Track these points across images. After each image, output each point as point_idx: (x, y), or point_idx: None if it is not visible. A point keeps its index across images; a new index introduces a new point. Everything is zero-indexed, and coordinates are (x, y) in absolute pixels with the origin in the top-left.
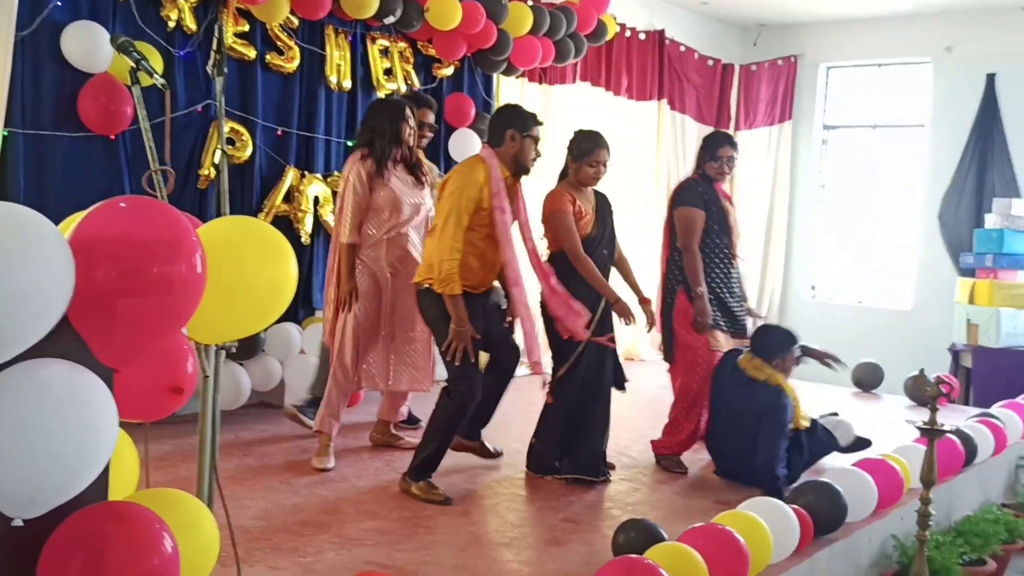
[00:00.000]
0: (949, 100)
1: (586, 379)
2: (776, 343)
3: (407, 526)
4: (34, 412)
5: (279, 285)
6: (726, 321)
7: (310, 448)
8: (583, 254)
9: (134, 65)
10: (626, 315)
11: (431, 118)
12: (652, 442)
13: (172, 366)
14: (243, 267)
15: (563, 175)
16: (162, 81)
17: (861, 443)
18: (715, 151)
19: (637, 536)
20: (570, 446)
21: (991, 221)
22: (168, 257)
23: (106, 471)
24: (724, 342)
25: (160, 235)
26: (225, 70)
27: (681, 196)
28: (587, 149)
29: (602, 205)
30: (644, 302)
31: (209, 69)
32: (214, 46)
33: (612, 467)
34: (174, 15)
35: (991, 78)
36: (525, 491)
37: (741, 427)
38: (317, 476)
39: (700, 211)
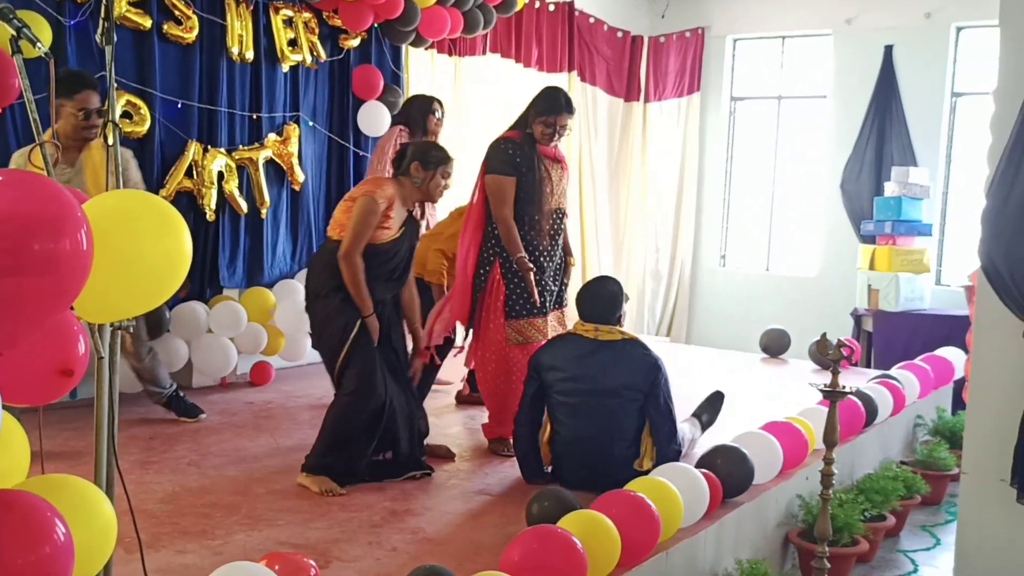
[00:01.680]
0: (849, 72)
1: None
2: (609, 299)
3: (320, 504)
4: None
5: (172, 260)
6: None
7: (219, 430)
8: (358, 257)
9: (15, 33)
10: (375, 333)
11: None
12: (483, 426)
13: (61, 348)
14: (133, 242)
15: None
16: (45, 50)
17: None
18: (549, 115)
19: (551, 506)
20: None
21: (890, 189)
22: (51, 233)
23: None
24: (544, 327)
25: (42, 210)
26: (114, 38)
27: (490, 161)
28: (441, 159)
29: (412, 224)
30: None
31: (97, 38)
32: (102, 13)
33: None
34: None
35: (888, 50)
36: (439, 465)
37: (600, 414)
38: (227, 457)
39: (511, 178)
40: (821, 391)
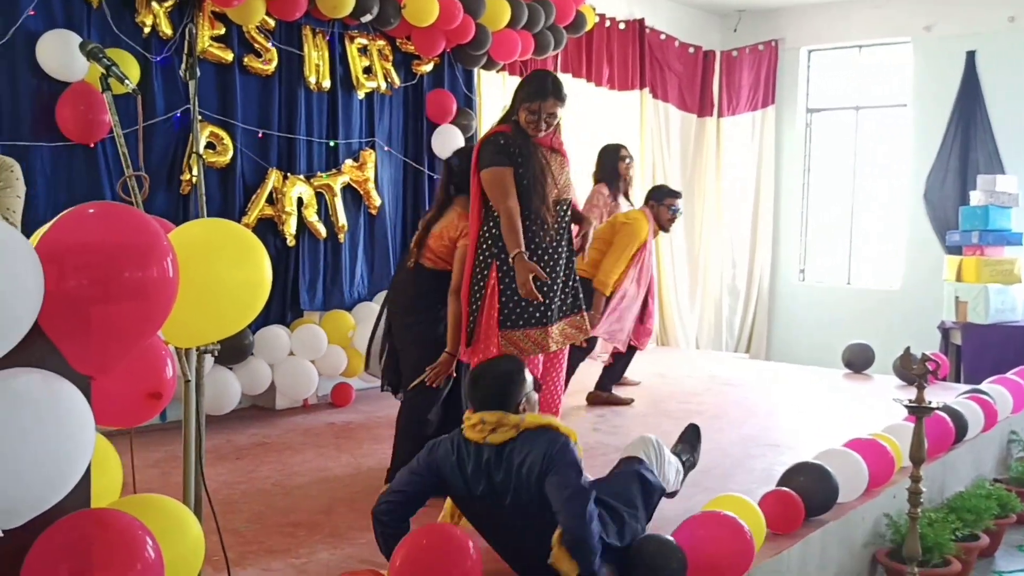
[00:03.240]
0: (930, 79)
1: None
2: (502, 380)
3: None
4: (9, 422)
5: (253, 286)
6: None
7: (302, 450)
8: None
9: (104, 71)
10: None
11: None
12: None
13: (150, 371)
14: (216, 269)
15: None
16: (132, 86)
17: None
18: (533, 101)
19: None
20: None
21: (976, 198)
22: (139, 262)
23: (87, 479)
24: (544, 339)
25: (130, 240)
26: (198, 73)
27: (481, 158)
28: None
29: None
30: None
31: (182, 73)
32: (186, 49)
33: None
34: (149, 20)
35: (971, 55)
36: None
37: (513, 530)
38: (310, 477)
39: (508, 168)
40: (906, 407)
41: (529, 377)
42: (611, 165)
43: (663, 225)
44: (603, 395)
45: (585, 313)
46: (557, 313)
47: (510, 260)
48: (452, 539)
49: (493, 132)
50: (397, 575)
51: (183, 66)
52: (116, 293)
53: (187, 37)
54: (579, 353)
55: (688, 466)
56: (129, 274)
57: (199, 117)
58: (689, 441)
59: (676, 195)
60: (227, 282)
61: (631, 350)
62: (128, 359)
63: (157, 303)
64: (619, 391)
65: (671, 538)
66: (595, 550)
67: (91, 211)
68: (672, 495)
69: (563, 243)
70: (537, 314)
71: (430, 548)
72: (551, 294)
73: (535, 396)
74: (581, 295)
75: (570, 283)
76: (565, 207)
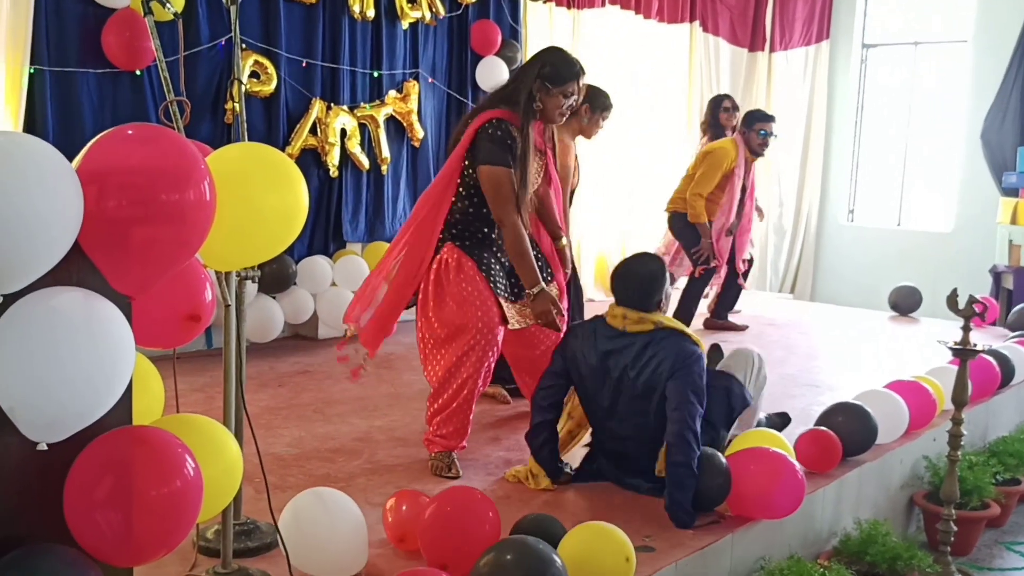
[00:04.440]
0: (993, 13)
1: None
2: (645, 280)
3: None
4: (50, 337)
5: (289, 210)
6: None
7: (342, 379)
8: None
9: None
10: None
11: None
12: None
13: (189, 294)
14: (252, 193)
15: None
16: (174, 10)
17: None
18: (565, 84)
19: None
20: None
21: None
22: (177, 184)
23: (128, 397)
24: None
25: (168, 162)
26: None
27: (483, 147)
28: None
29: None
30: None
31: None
32: None
33: None
34: None
35: None
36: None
37: (629, 417)
38: (350, 406)
39: (508, 170)
40: (951, 348)
41: (668, 275)
42: (713, 115)
43: (754, 150)
44: (718, 322)
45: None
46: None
47: (528, 293)
48: (475, 501)
49: (498, 117)
50: (425, 533)
51: None
52: (154, 215)
53: None
54: (698, 284)
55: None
56: (167, 196)
57: (243, 46)
58: (775, 423)
59: (767, 119)
60: (263, 206)
61: (735, 284)
62: (166, 281)
63: (194, 226)
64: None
65: (720, 458)
66: (691, 466)
67: (130, 132)
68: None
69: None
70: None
71: (454, 513)
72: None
73: (671, 292)
74: (551, 274)
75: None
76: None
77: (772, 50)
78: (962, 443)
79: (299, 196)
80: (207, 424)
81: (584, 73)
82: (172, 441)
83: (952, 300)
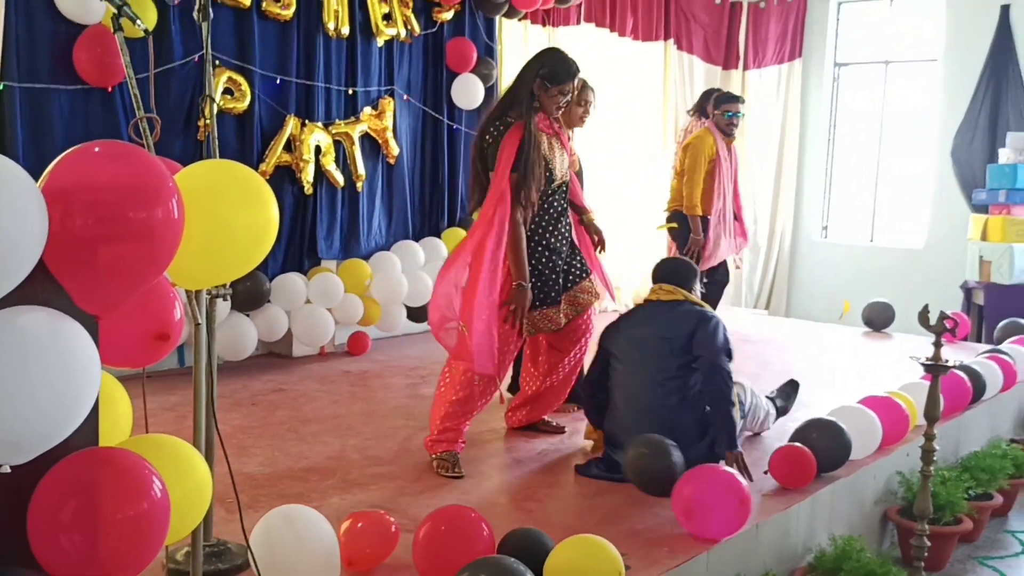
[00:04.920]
0: (962, 33)
1: None
2: (681, 266)
3: (413, 472)
4: (13, 357)
5: (260, 229)
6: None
7: (316, 397)
8: None
9: (116, 11)
10: None
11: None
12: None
13: (157, 313)
14: (221, 210)
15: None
16: (144, 27)
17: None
18: (563, 83)
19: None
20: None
21: (1005, 156)
22: (144, 202)
23: (94, 417)
24: (559, 315)
25: (135, 180)
26: (211, 15)
27: (489, 154)
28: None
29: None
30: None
31: (195, 15)
32: None
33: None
34: None
35: (1005, 9)
36: (531, 433)
37: (643, 367)
38: (324, 425)
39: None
40: (922, 364)
41: (698, 275)
42: (702, 105)
43: (723, 130)
44: None
45: (592, 278)
46: (562, 291)
47: (514, 285)
48: (468, 520)
49: (504, 121)
50: (419, 550)
51: (196, 8)
52: (121, 233)
53: None
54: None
55: (780, 411)
56: (134, 214)
57: (216, 62)
58: (785, 391)
59: (732, 100)
60: (233, 224)
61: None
62: (134, 300)
63: (162, 244)
64: None
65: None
66: (731, 392)
67: (97, 150)
68: (757, 434)
69: (562, 224)
70: (546, 297)
71: (448, 530)
72: (554, 276)
73: (700, 289)
74: (585, 263)
75: (575, 260)
76: (565, 190)
77: (746, 68)
78: (935, 458)
79: (269, 214)
80: (175, 444)
81: (579, 72)
82: (139, 462)
83: (924, 316)
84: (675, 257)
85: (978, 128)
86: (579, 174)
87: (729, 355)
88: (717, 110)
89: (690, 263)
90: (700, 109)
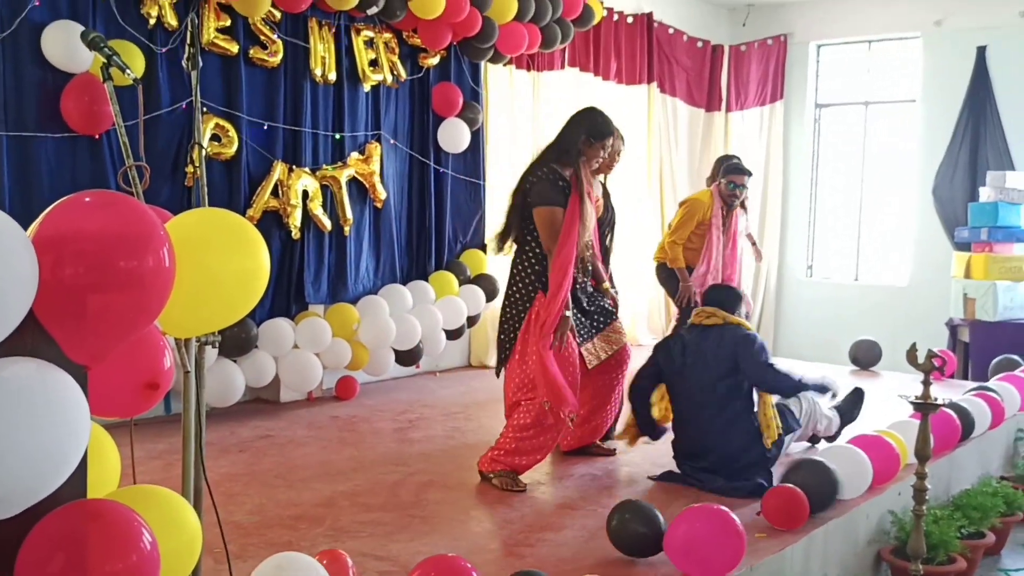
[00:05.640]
0: (940, 74)
1: None
2: (729, 292)
3: (402, 517)
4: (1, 411)
5: (250, 275)
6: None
7: (305, 443)
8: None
9: (105, 60)
10: None
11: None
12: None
13: (147, 362)
14: (212, 258)
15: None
16: (134, 76)
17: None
18: (605, 138)
19: (631, 518)
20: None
21: (985, 194)
22: (134, 251)
23: (83, 469)
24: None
25: (126, 229)
26: (200, 63)
27: (534, 191)
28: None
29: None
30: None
31: (184, 63)
32: (188, 39)
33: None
34: (154, 12)
35: (981, 51)
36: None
37: (698, 397)
38: (313, 471)
39: (561, 209)
40: (912, 403)
41: (744, 300)
42: (715, 173)
43: (724, 199)
44: None
45: (617, 323)
46: (587, 334)
47: (561, 317)
48: (459, 569)
49: (549, 167)
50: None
51: (185, 56)
52: (111, 282)
53: (189, 27)
54: None
55: (846, 419)
56: (124, 263)
57: (204, 109)
58: (851, 400)
59: (736, 171)
60: (224, 272)
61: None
62: (123, 349)
63: (152, 293)
64: None
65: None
66: (792, 381)
67: (87, 200)
68: (830, 438)
69: (587, 276)
70: (593, 328)
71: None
72: (587, 311)
73: (744, 311)
74: (610, 312)
75: (604, 302)
76: (591, 246)
77: (728, 110)
78: (927, 497)
79: (260, 261)
80: (165, 495)
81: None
82: (128, 515)
83: (912, 354)
84: (722, 284)
85: (958, 167)
86: (611, 221)
87: (772, 367)
88: (723, 177)
89: (734, 289)
90: (713, 173)
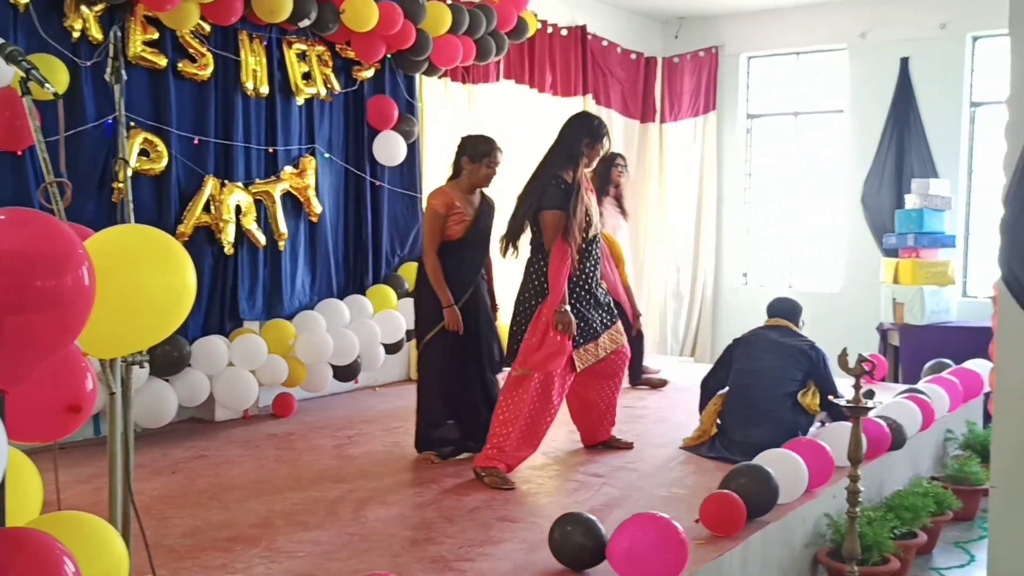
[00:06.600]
0: (866, 85)
1: (439, 370)
2: (789, 304)
3: (341, 535)
4: None
5: (175, 293)
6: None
7: (240, 462)
8: (433, 257)
9: (24, 75)
10: (454, 324)
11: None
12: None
13: (68, 384)
14: (135, 276)
15: (454, 177)
16: (53, 90)
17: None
18: (601, 139)
19: (573, 530)
20: (469, 426)
21: (911, 202)
22: (52, 270)
23: (0, 497)
24: (598, 348)
25: (42, 247)
26: (124, 77)
27: (549, 196)
28: (485, 151)
29: (485, 208)
30: (494, 308)
31: (107, 77)
32: (111, 53)
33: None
34: (78, 25)
35: (904, 62)
36: (460, 488)
37: (763, 389)
38: (248, 491)
39: (564, 213)
40: (843, 407)
41: (801, 310)
42: (604, 171)
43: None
44: (638, 384)
45: (619, 323)
46: (602, 327)
47: (558, 310)
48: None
49: (554, 172)
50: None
51: (108, 70)
52: (28, 303)
53: (112, 40)
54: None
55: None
56: (42, 283)
57: (132, 123)
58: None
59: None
60: (147, 290)
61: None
62: (43, 371)
63: (72, 312)
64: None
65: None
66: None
67: (2, 217)
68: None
69: (599, 270)
70: (590, 332)
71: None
72: (593, 313)
73: (803, 321)
74: (615, 312)
75: (610, 301)
76: (599, 239)
77: (663, 121)
78: (860, 499)
79: (185, 278)
80: (89, 521)
81: (497, 149)
82: (49, 543)
83: (843, 359)
84: (784, 297)
85: (885, 175)
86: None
87: (825, 364)
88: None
89: (795, 301)
90: (602, 180)
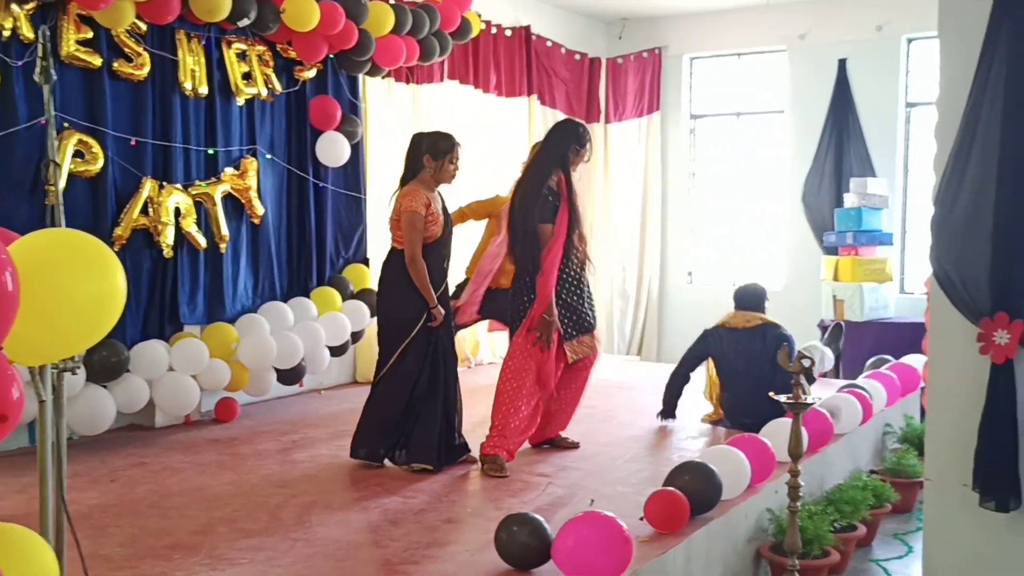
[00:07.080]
0: (805, 86)
1: (413, 373)
2: (757, 294)
3: (284, 541)
4: None
5: (105, 299)
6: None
7: (181, 469)
8: (420, 259)
9: None
10: (439, 320)
11: None
12: (483, 444)
13: None
14: (61, 281)
15: (410, 176)
16: None
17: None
18: (585, 144)
19: (519, 531)
20: (408, 436)
21: (849, 200)
22: None
23: None
24: (594, 342)
25: None
26: (53, 77)
27: (541, 210)
28: (447, 147)
29: (445, 205)
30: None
31: (36, 78)
32: (39, 52)
33: (472, 459)
34: (8, 24)
35: (842, 63)
36: (406, 491)
37: (756, 378)
38: (189, 497)
39: (551, 225)
40: (784, 403)
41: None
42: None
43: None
44: None
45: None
46: (594, 322)
47: (545, 316)
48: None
49: (543, 182)
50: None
51: (37, 70)
52: None
53: (41, 39)
54: None
55: (837, 354)
56: None
57: (65, 124)
58: (834, 334)
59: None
60: (73, 295)
61: None
62: None
63: None
64: None
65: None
66: None
67: None
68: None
69: (587, 267)
70: (584, 325)
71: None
72: (584, 307)
73: (767, 304)
74: (595, 316)
75: (590, 300)
76: (583, 237)
77: (607, 121)
78: (801, 494)
79: (114, 282)
80: (17, 532)
81: (457, 144)
82: None
83: (784, 356)
84: (749, 284)
85: (825, 175)
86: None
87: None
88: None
89: (761, 287)
90: None
